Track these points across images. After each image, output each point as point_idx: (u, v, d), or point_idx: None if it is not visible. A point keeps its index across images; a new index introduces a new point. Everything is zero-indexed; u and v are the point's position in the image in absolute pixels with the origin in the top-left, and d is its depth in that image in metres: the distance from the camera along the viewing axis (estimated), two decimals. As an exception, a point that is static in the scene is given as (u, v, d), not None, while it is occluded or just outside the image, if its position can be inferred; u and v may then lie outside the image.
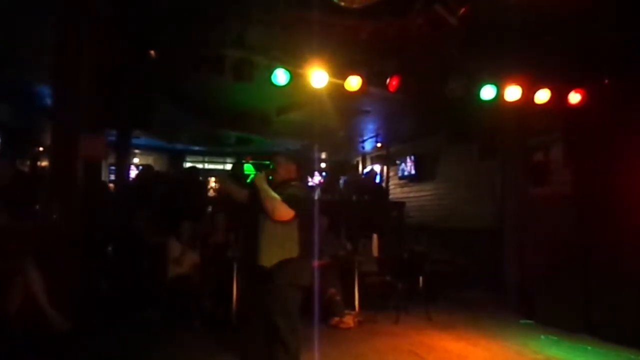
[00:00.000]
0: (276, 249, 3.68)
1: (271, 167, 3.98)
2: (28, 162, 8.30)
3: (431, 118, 9.07)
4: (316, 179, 12.47)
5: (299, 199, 3.74)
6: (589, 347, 5.29)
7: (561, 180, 6.81)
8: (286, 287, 3.68)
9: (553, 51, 5.74)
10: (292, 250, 3.72)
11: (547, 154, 7.27)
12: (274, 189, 3.75)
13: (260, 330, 3.76)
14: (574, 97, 6.27)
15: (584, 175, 6.36)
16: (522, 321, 6.36)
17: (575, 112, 6.34)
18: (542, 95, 6.31)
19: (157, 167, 10.18)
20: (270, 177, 3.88)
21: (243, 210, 3.95)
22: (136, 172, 11.43)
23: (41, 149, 9.04)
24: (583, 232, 6.07)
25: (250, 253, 3.73)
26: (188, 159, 14.28)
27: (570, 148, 6.70)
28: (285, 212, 3.65)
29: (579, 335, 5.65)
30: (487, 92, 6.28)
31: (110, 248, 6.82)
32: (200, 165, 13.51)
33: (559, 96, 6.30)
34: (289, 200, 3.67)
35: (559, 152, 6.95)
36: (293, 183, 3.91)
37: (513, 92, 6.26)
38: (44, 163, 8.39)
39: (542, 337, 5.68)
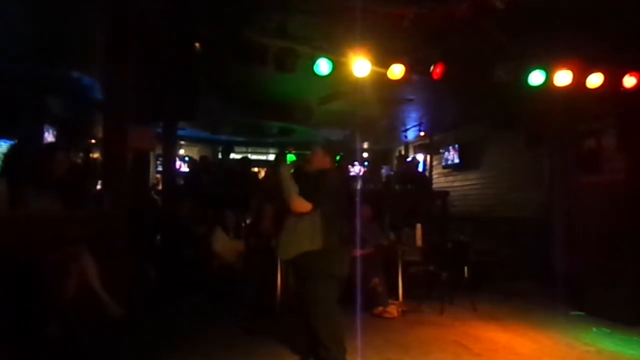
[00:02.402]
0: (295, 242, 3.76)
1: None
2: (81, 154, 8.62)
3: (476, 105, 8.87)
4: (357, 168, 12.42)
5: (324, 190, 3.75)
6: (644, 340, 5.11)
7: (614, 167, 6.56)
8: (314, 277, 3.74)
9: (606, 33, 5.49)
10: (313, 242, 3.71)
11: (598, 141, 7.00)
12: (308, 179, 3.80)
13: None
14: (629, 81, 6.02)
15: (638, 162, 6.11)
16: (572, 313, 6.18)
17: (630, 96, 6.07)
18: (595, 80, 6.07)
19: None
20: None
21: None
22: (180, 163, 11.75)
23: (93, 141, 9.36)
24: (636, 221, 5.84)
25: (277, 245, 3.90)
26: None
27: (623, 134, 6.45)
28: (301, 205, 3.68)
29: (635, 327, 5.45)
30: (536, 78, 6.09)
31: (158, 237, 7.03)
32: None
33: (612, 80, 6.05)
34: (309, 192, 3.70)
35: (612, 138, 6.69)
36: (329, 173, 3.90)
37: (563, 77, 6.05)
38: (96, 155, 8.70)
39: (594, 329, 5.51)
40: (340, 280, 3.86)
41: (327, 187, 3.78)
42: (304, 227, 3.73)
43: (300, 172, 3.86)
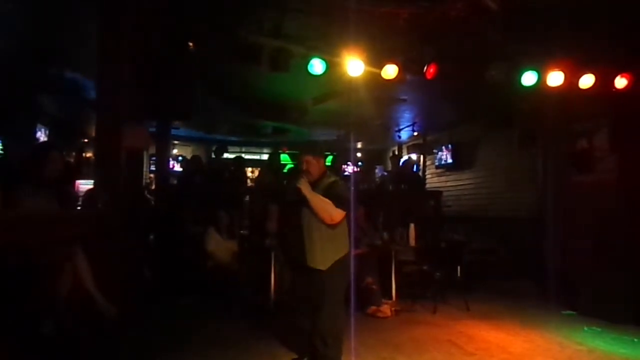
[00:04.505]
0: (330, 251, 3.77)
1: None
2: (73, 153, 8.59)
3: (469, 105, 8.91)
4: (350, 168, 12.45)
5: (347, 198, 3.81)
6: (635, 339, 5.14)
7: (605, 167, 6.60)
8: (336, 277, 3.79)
9: (598, 34, 5.54)
10: (344, 247, 3.85)
11: (590, 141, 7.04)
12: (313, 189, 3.79)
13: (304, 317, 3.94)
14: (620, 82, 6.06)
15: (629, 162, 6.16)
16: (564, 312, 6.23)
17: (621, 97, 6.12)
18: (587, 81, 6.11)
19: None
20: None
21: (290, 205, 3.98)
22: (174, 162, 11.72)
23: (86, 140, 9.33)
24: (629, 221, 5.89)
25: (301, 252, 3.80)
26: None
27: (615, 134, 6.48)
28: (339, 215, 3.72)
29: (626, 326, 5.50)
30: (528, 78, 6.12)
31: (151, 237, 7.02)
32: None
33: (604, 81, 6.09)
34: (339, 201, 3.73)
35: (604, 138, 6.73)
36: (333, 179, 3.93)
37: (555, 78, 6.08)
38: (89, 154, 8.67)
39: (585, 328, 5.55)
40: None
41: (344, 192, 3.84)
42: (336, 234, 3.79)
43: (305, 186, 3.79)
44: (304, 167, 3.88)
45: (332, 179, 3.94)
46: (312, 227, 3.76)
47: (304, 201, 3.75)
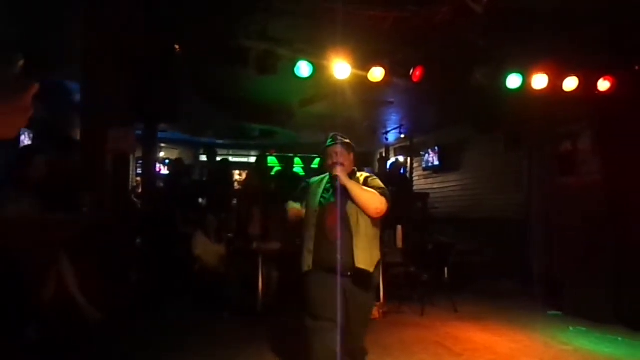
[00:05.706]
0: (374, 251, 3.30)
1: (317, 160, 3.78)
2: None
3: (456, 108, 8.96)
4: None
5: (387, 191, 3.33)
6: (620, 338, 5.21)
7: (590, 169, 6.68)
8: (372, 291, 3.40)
9: (581, 37, 5.61)
10: (379, 252, 3.39)
11: (575, 143, 7.13)
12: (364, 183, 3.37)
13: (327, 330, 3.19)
14: (603, 85, 6.14)
15: (613, 164, 6.24)
16: (549, 312, 6.29)
17: (605, 99, 6.20)
18: (570, 83, 6.19)
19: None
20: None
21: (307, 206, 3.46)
22: (160, 165, 11.65)
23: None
24: (613, 222, 5.96)
25: (348, 255, 3.17)
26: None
27: (599, 136, 6.57)
28: (384, 205, 3.23)
29: (610, 326, 5.56)
30: (513, 81, 6.18)
31: (138, 240, 6.96)
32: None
33: (587, 84, 6.17)
34: (381, 192, 3.27)
35: (588, 140, 6.82)
36: (367, 175, 3.53)
37: (540, 81, 6.15)
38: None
39: (571, 328, 5.61)
40: None
41: (385, 188, 3.39)
42: (375, 235, 3.34)
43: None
44: (334, 159, 3.39)
45: (366, 174, 3.52)
46: (358, 222, 3.22)
47: (341, 193, 3.21)
